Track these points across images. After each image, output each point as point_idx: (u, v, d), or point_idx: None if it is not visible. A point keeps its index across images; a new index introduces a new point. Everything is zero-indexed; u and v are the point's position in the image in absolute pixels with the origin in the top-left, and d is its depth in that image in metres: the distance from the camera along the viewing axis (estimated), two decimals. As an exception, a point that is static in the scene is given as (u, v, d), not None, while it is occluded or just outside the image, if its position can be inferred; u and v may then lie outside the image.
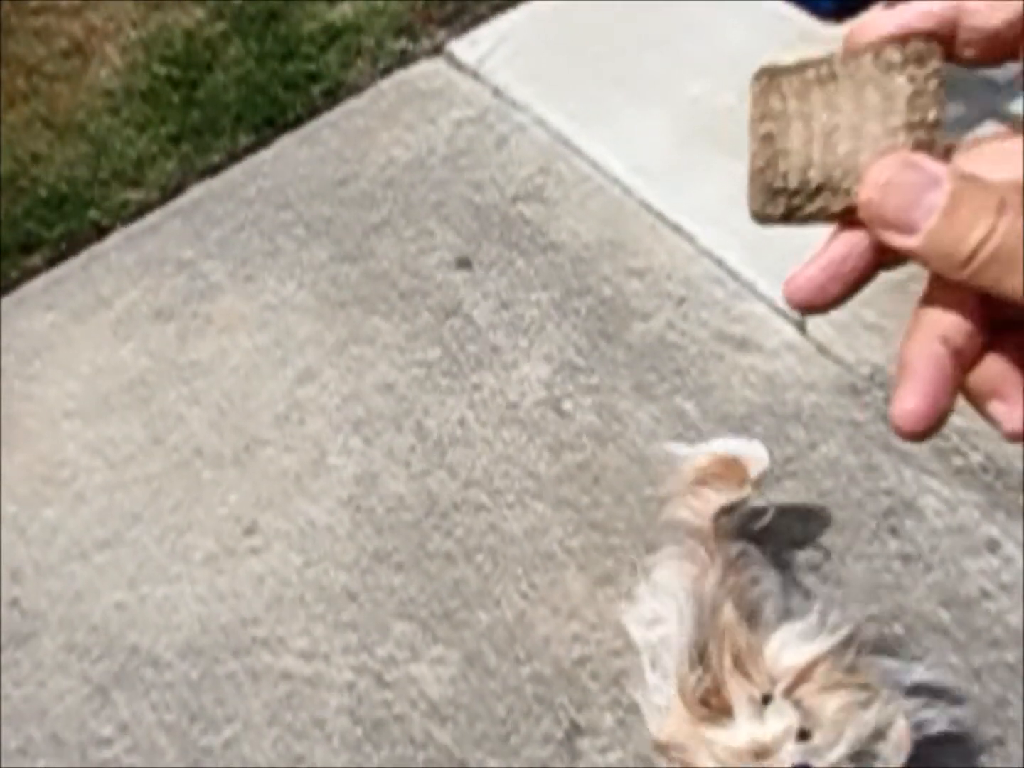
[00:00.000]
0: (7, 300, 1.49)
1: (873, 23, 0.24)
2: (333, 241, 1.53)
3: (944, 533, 1.22)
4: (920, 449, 1.27)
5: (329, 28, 1.76)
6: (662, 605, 1.03)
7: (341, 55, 1.73)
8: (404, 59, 1.73)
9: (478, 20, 1.76)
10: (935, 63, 0.25)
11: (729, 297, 1.42)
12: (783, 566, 1.08)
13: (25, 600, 1.22)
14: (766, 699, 0.88)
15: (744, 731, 0.87)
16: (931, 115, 0.25)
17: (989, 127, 1.58)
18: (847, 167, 0.24)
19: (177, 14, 1.80)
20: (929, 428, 0.24)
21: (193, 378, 1.40)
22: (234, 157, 1.63)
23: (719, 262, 1.45)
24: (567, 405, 1.35)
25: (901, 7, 0.24)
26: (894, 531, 1.16)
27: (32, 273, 1.52)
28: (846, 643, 0.91)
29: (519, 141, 1.61)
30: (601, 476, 1.28)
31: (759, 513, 1.13)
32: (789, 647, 0.92)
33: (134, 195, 1.59)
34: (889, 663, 0.99)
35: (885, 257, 0.24)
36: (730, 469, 1.09)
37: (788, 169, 0.25)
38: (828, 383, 1.33)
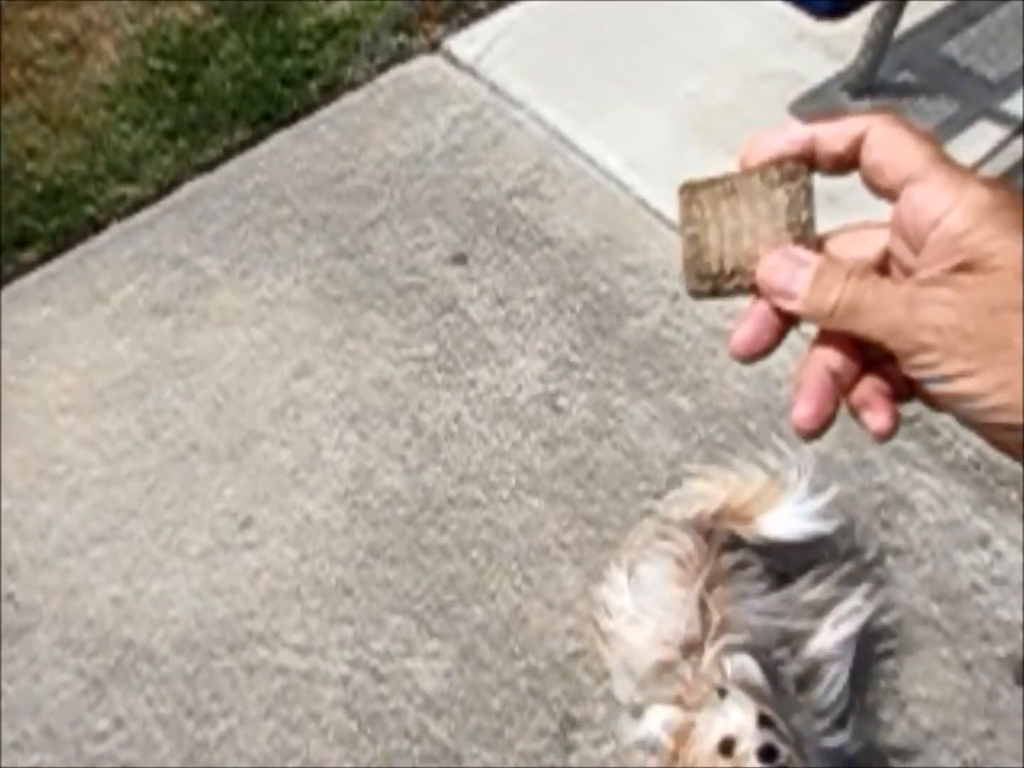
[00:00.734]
0: (2, 294, 1.48)
1: (758, 150, 0.34)
2: (330, 237, 1.53)
3: (936, 528, 1.23)
4: (912, 445, 1.28)
5: (326, 24, 1.76)
6: (640, 605, 1.04)
7: (338, 51, 1.73)
8: (401, 55, 1.73)
9: (475, 16, 1.76)
10: (803, 178, 0.35)
11: (724, 294, 1.42)
12: (780, 575, 1.08)
13: (20, 594, 1.22)
14: (722, 692, 0.90)
15: (712, 727, 0.89)
16: (803, 217, 0.35)
17: (982, 126, 1.59)
18: (750, 256, 0.35)
19: (174, 9, 1.80)
20: (819, 427, 0.33)
21: (189, 373, 1.40)
22: (231, 152, 1.62)
23: (714, 259, 1.45)
24: (562, 401, 1.35)
25: (776, 137, 0.34)
26: (886, 525, 1.17)
27: (27, 268, 1.52)
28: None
29: (516, 137, 1.62)
30: (596, 471, 1.29)
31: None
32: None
33: (130, 190, 1.59)
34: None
35: (792, 312, 0.34)
36: (739, 511, 1.09)
37: (710, 260, 0.35)
38: (822, 380, 1.33)
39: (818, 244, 0.35)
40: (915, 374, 0.31)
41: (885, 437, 0.33)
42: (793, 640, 1.02)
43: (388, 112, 1.66)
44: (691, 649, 0.97)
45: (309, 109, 1.67)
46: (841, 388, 0.33)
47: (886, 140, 0.32)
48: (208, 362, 1.41)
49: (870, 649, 1.14)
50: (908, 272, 0.32)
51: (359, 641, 1.17)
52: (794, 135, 0.34)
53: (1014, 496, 1.24)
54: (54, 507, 1.29)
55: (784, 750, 0.87)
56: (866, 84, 1.60)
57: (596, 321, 1.43)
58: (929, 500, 1.23)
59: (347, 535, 1.25)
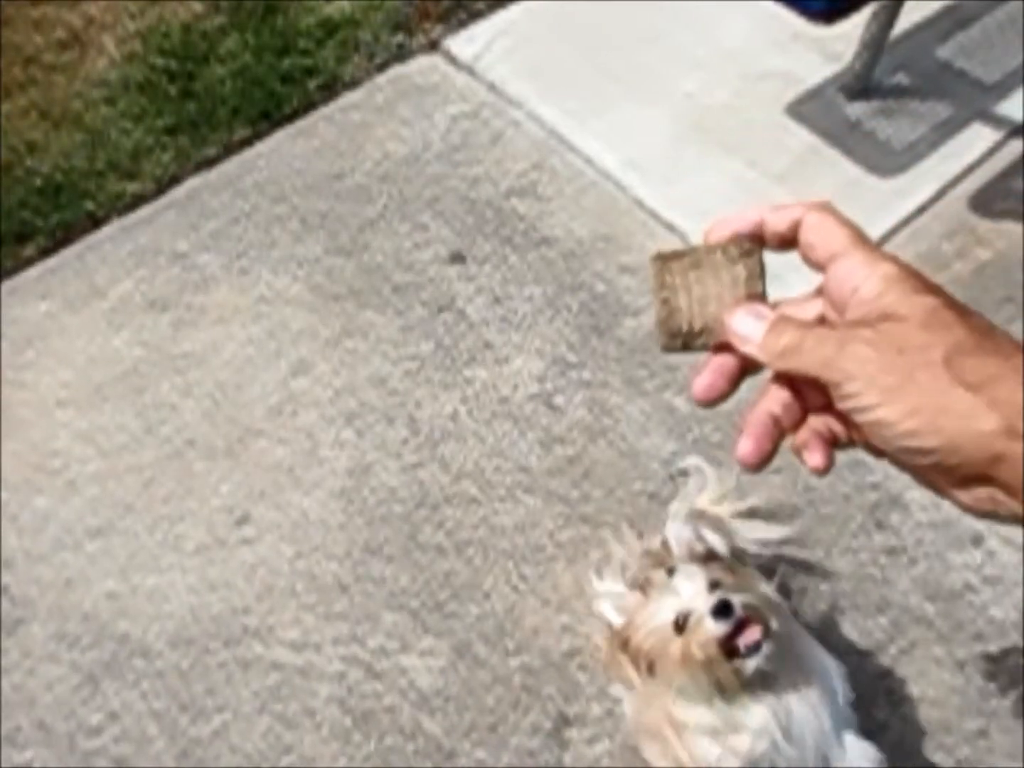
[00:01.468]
0: (1, 288, 1.49)
1: (718, 230, 0.42)
2: (328, 234, 1.53)
3: (929, 527, 1.23)
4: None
5: (326, 23, 1.77)
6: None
7: (338, 50, 1.73)
8: (400, 54, 1.74)
9: (474, 16, 1.77)
10: (758, 255, 0.42)
11: (721, 294, 1.43)
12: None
13: (15, 588, 1.22)
14: (671, 571, 0.90)
15: (662, 607, 0.87)
16: (759, 288, 0.42)
17: (976, 128, 1.60)
18: (716, 319, 0.42)
19: (175, 7, 1.80)
20: (758, 462, 0.40)
21: (187, 369, 1.40)
22: (230, 150, 1.63)
23: (711, 259, 1.46)
24: (558, 400, 1.36)
25: (733, 219, 0.42)
26: (880, 525, 1.17)
27: (27, 262, 1.52)
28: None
29: (514, 137, 1.62)
30: (591, 470, 1.29)
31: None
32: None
33: (130, 186, 1.59)
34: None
35: (745, 365, 0.42)
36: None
37: (680, 320, 0.42)
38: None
39: (772, 307, 0.42)
40: (843, 404, 0.37)
41: (820, 473, 0.40)
42: None
43: (387, 111, 1.67)
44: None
45: (308, 107, 1.67)
46: (782, 430, 0.40)
47: (818, 224, 0.40)
48: (206, 358, 1.41)
49: (864, 648, 1.14)
50: (838, 327, 0.41)
51: (354, 637, 1.17)
52: (748, 218, 0.42)
53: (1008, 497, 1.24)
54: (51, 501, 1.29)
55: (738, 600, 0.83)
56: (862, 86, 1.61)
57: (593, 320, 1.43)
58: (922, 500, 1.24)
59: (343, 532, 1.25)
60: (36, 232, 1.55)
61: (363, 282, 1.48)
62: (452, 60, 1.72)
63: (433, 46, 1.74)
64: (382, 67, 1.72)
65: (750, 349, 0.40)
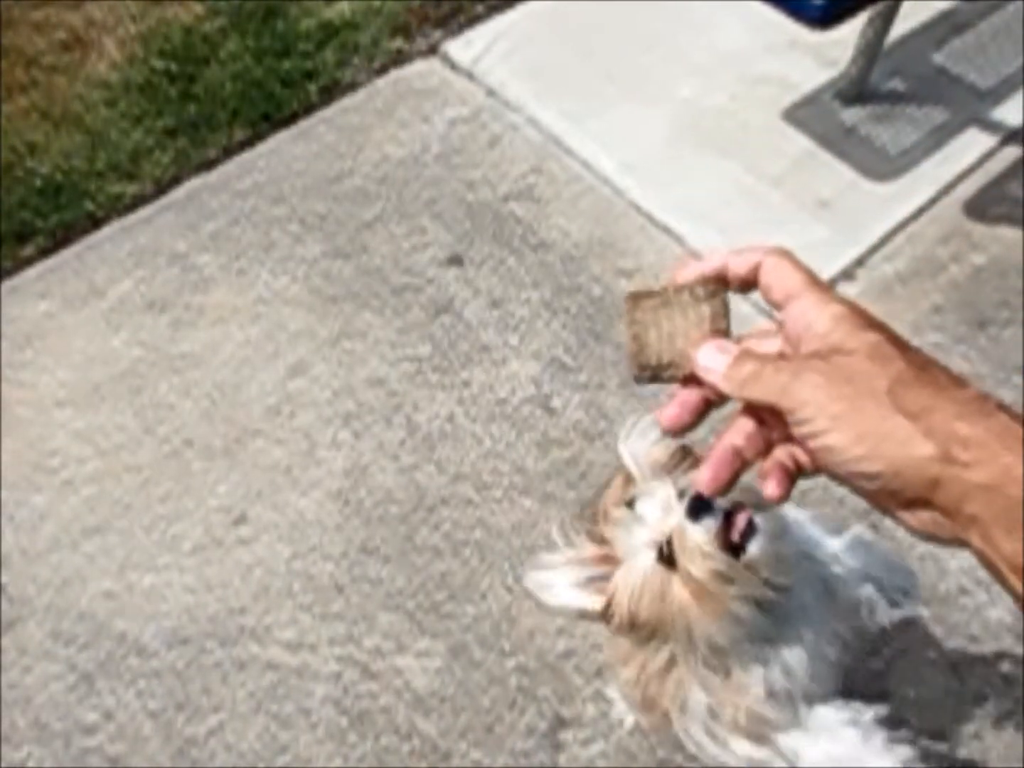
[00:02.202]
0: (1, 288, 1.49)
1: (686, 273, 0.45)
2: (326, 236, 1.54)
3: (924, 531, 1.23)
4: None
5: (326, 26, 1.78)
6: None
7: (338, 53, 1.74)
8: (400, 58, 1.75)
9: (473, 21, 1.78)
10: (723, 296, 0.45)
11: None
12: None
13: (12, 586, 1.22)
14: (630, 503, 0.76)
15: (637, 543, 0.73)
16: (723, 326, 0.44)
17: (971, 133, 1.60)
18: (682, 353, 0.44)
19: (176, 9, 1.81)
20: (715, 489, 0.43)
21: (185, 369, 1.40)
22: (229, 152, 1.64)
23: (708, 262, 1.46)
24: (555, 402, 1.36)
25: (700, 263, 0.45)
26: (875, 527, 1.18)
27: (27, 262, 1.53)
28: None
29: (512, 140, 1.63)
30: (588, 472, 1.30)
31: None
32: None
33: (129, 187, 1.60)
34: None
35: (709, 400, 0.44)
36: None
37: (650, 354, 0.45)
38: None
39: (736, 342, 0.46)
40: (798, 430, 0.40)
41: (776, 502, 0.43)
42: None
43: (386, 114, 1.68)
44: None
45: (308, 110, 1.68)
46: (743, 461, 0.43)
47: (775, 268, 0.43)
48: (204, 358, 1.41)
49: (859, 651, 1.14)
50: (794, 359, 0.44)
51: (350, 638, 1.17)
52: (712, 262, 0.45)
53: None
54: (48, 500, 1.29)
55: (717, 497, 0.67)
56: (857, 91, 1.62)
57: (590, 324, 1.44)
58: (918, 503, 1.24)
59: (340, 533, 1.25)
60: (36, 232, 1.55)
61: (361, 284, 1.49)
62: (451, 64, 1.73)
63: (432, 50, 1.75)
64: (381, 70, 1.73)
65: (714, 379, 0.43)
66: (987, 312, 1.40)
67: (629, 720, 1.09)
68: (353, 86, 1.71)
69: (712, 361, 0.43)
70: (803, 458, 0.42)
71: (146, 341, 1.44)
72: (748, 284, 0.44)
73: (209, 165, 1.62)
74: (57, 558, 1.24)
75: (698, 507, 0.71)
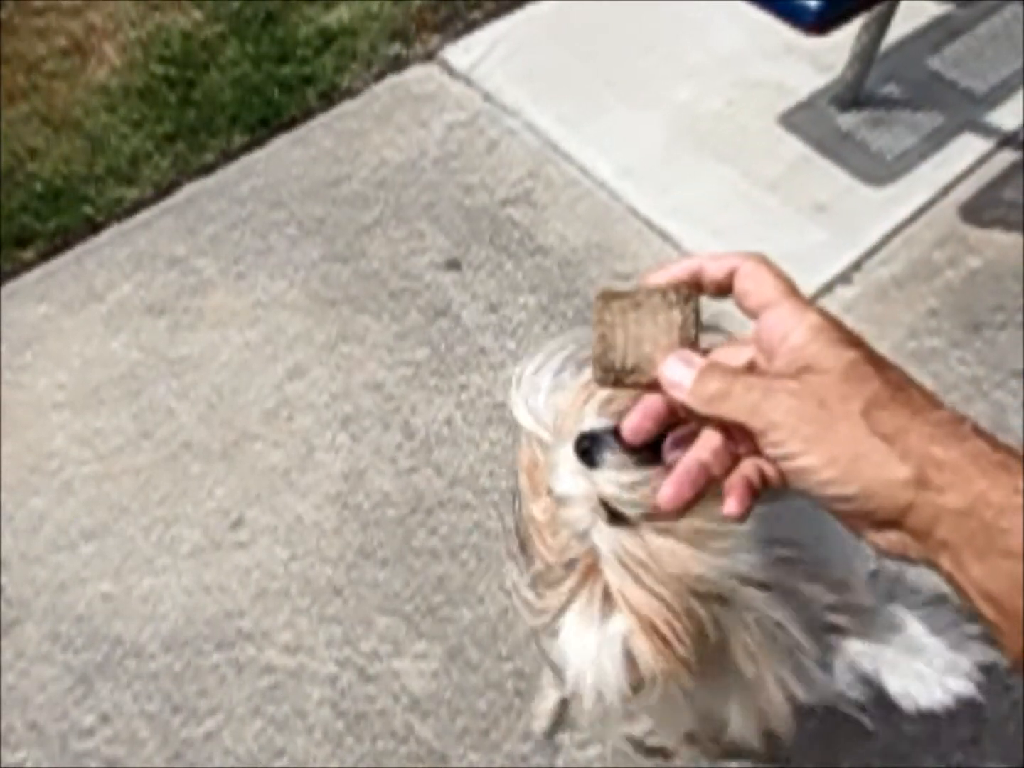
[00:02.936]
0: (1, 291, 1.50)
1: (659, 276, 0.44)
2: (325, 240, 1.55)
3: (920, 534, 1.23)
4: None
5: (325, 32, 1.79)
6: None
7: (336, 58, 1.75)
8: (398, 63, 1.76)
9: (471, 26, 1.79)
10: (694, 303, 0.43)
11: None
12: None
13: (10, 588, 1.22)
14: (549, 492, 0.61)
15: (572, 511, 0.58)
16: (692, 333, 0.43)
17: (966, 138, 1.61)
18: (649, 359, 0.42)
19: (175, 15, 1.82)
20: (678, 508, 0.42)
21: (183, 372, 1.41)
22: (228, 156, 1.64)
23: (705, 266, 1.47)
24: (553, 405, 1.37)
25: (674, 267, 0.43)
26: (870, 530, 1.18)
27: (26, 266, 1.53)
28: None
29: (509, 145, 1.64)
30: (585, 475, 1.30)
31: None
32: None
33: (128, 191, 1.61)
34: None
35: (674, 409, 0.42)
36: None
37: (614, 357, 0.43)
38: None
39: (703, 353, 0.43)
40: (769, 451, 0.39)
41: (735, 520, 0.42)
42: None
43: (384, 119, 1.69)
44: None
45: (306, 115, 1.69)
46: (709, 477, 0.42)
47: (752, 274, 0.42)
48: (202, 362, 1.42)
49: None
50: (765, 376, 0.42)
51: (347, 641, 1.17)
52: (688, 266, 0.44)
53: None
54: (46, 502, 1.29)
55: (603, 418, 0.52)
56: (853, 96, 1.63)
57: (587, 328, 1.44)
58: (914, 506, 1.24)
59: (337, 536, 1.25)
60: (36, 236, 1.56)
61: (359, 288, 1.49)
62: (449, 69, 1.74)
63: (430, 55, 1.76)
64: (379, 76, 1.74)
65: (679, 395, 0.41)
66: (983, 315, 1.41)
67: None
68: (351, 91, 1.72)
69: (677, 375, 0.41)
70: (771, 472, 0.41)
71: (145, 344, 1.44)
72: (723, 289, 0.43)
73: (208, 170, 1.63)
74: (55, 560, 1.24)
75: (587, 448, 0.53)
